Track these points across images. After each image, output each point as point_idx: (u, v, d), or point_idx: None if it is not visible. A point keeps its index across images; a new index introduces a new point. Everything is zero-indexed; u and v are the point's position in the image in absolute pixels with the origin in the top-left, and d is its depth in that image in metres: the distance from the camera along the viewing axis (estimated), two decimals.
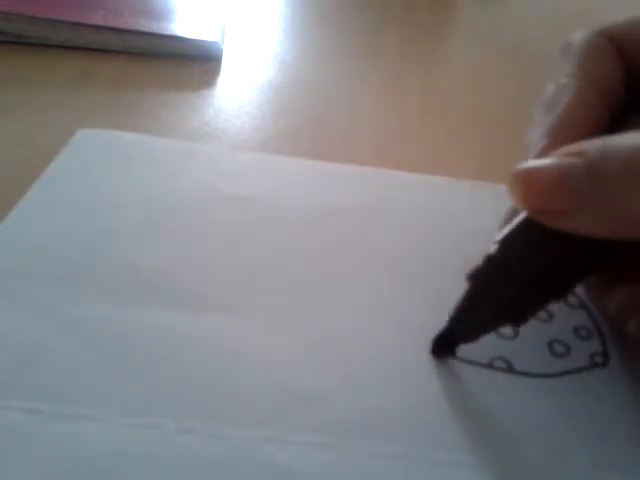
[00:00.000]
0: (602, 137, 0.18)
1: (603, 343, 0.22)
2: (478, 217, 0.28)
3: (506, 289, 0.19)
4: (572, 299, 0.24)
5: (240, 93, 0.37)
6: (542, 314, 0.23)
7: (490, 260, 0.19)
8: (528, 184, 0.18)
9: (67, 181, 0.27)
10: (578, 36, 0.23)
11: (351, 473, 0.17)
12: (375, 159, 0.31)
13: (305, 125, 0.34)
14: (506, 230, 0.20)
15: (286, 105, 0.36)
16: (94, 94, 0.35)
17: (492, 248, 0.20)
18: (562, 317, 0.23)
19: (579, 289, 0.24)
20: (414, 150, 0.33)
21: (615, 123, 0.21)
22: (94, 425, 0.18)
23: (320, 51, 0.45)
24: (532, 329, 0.22)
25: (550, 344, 0.22)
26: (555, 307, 0.24)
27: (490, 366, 0.21)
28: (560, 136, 0.20)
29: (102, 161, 0.28)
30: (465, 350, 0.21)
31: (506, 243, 0.19)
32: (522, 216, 0.19)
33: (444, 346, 0.21)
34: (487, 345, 0.22)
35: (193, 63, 0.39)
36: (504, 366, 0.21)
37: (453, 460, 0.18)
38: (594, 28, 0.23)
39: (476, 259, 0.25)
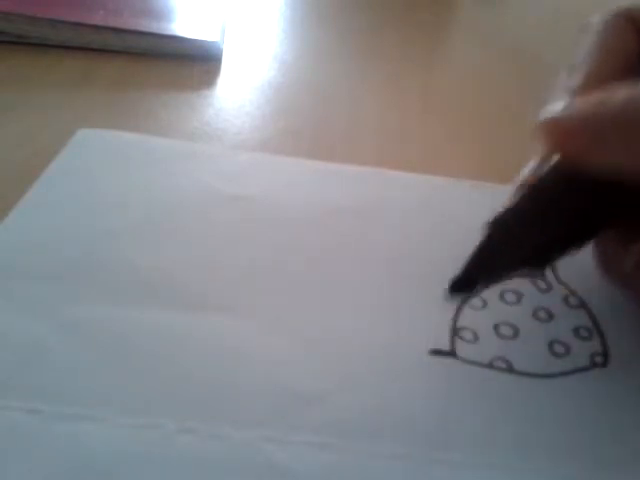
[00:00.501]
0: (629, 82, 0.18)
1: (603, 343, 0.22)
2: (478, 217, 0.28)
3: (526, 237, 0.20)
4: (572, 299, 0.24)
5: (240, 93, 0.37)
6: (542, 314, 0.23)
7: (512, 209, 0.20)
8: (555, 129, 0.19)
9: (67, 181, 0.27)
10: (597, 17, 0.23)
11: (351, 473, 0.17)
12: (375, 159, 0.31)
13: (305, 125, 0.34)
14: (528, 179, 0.20)
15: (286, 105, 0.36)
16: (94, 94, 0.35)
17: (514, 196, 0.20)
18: (562, 317, 0.23)
19: (579, 288, 0.24)
20: (414, 150, 0.33)
21: None
22: (94, 425, 0.18)
23: (320, 51, 0.45)
24: (532, 329, 0.22)
25: (550, 344, 0.22)
26: (555, 307, 0.24)
27: (490, 366, 0.21)
28: (582, 91, 0.20)
29: (102, 161, 0.28)
30: (465, 350, 0.21)
31: (533, 191, 0.20)
32: (549, 164, 0.20)
33: (461, 289, 0.21)
34: (487, 345, 0.22)
35: (193, 63, 0.39)
36: (504, 366, 0.21)
37: (453, 460, 0.18)
38: (613, 9, 0.23)
39: None
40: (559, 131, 0.19)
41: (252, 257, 0.24)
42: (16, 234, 0.24)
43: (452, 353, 0.21)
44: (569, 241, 0.21)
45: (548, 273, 0.25)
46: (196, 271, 0.23)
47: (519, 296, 0.24)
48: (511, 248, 0.20)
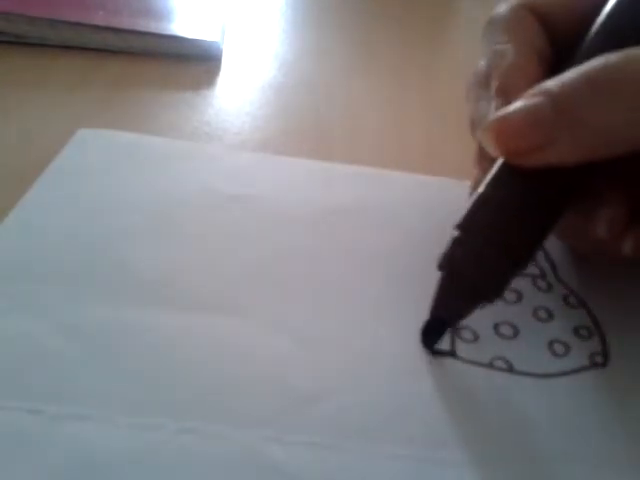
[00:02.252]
0: (555, 76, 0.20)
1: (603, 343, 0.22)
2: None
3: (484, 259, 0.20)
4: (572, 299, 0.24)
5: (240, 93, 0.37)
6: (542, 314, 0.23)
7: (459, 242, 0.20)
8: (501, 131, 0.20)
9: (67, 181, 0.27)
10: (501, 9, 0.25)
11: (351, 473, 0.17)
12: (375, 159, 0.31)
13: (305, 125, 0.34)
14: (475, 196, 0.21)
15: (286, 105, 0.36)
16: (94, 94, 0.35)
17: (459, 221, 0.21)
18: (562, 317, 0.23)
19: (579, 287, 0.24)
20: (414, 150, 0.33)
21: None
22: (94, 425, 0.18)
23: (320, 51, 0.45)
24: (532, 329, 0.22)
25: (550, 344, 0.22)
26: (555, 307, 0.24)
27: (490, 366, 0.21)
28: (511, 93, 0.21)
29: (102, 161, 0.28)
30: (465, 350, 0.21)
31: (482, 205, 0.20)
32: (493, 174, 0.21)
33: (433, 336, 0.21)
34: (487, 345, 0.22)
35: (193, 63, 0.39)
36: (504, 366, 0.21)
37: (453, 460, 0.18)
38: (515, 1, 0.25)
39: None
40: (506, 131, 0.20)
41: (252, 257, 0.24)
42: (16, 234, 0.24)
43: (452, 353, 0.21)
44: (532, 244, 0.21)
45: (548, 273, 0.25)
46: (196, 271, 0.23)
47: (519, 295, 0.24)
48: (466, 279, 0.20)
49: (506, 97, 0.21)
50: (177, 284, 0.22)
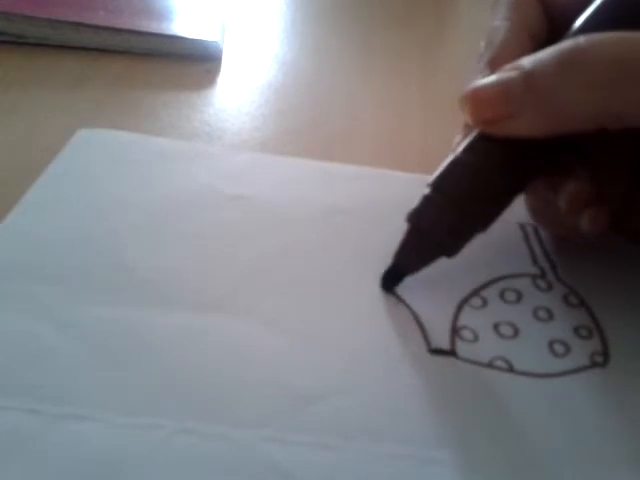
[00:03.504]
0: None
1: (603, 343, 0.22)
2: None
3: (446, 218, 0.22)
4: (572, 298, 0.24)
5: (240, 93, 0.37)
6: (542, 313, 0.23)
7: (428, 200, 0.22)
8: (475, 99, 0.22)
9: (67, 181, 0.27)
10: None
11: (351, 473, 0.17)
12: (374, 159, 0.31)
13: (305, 125, 0.34)
14: (451, 157, 0.22)
15: (286, 105, 0.36)
16: (94, 94, 0.35)
17: (432, 178, 0.22)
18: (562, 317, 0.23)
19: (579, 287, 0.24)
20: (414, 150, 0.33)
21: None
22: (94, 425, 0.18)
23: (320, 51, 0.45)
24: (532, 329, 0.22)
25: (550, 344, 0.22)
26: (555, 306, 0.24)
27: (490, 366, 0.21)
28: (495, 66, 0.23)
29: (102, 161, 0.28)
30: (465, 350, 0.21)
31: (455, 168, 0.22)
32: (469, 140, 0.22)
33: (391, 281, 0.23)
34: (487, 345, 0.22)
35: (193, 63, 0.39)
36: (504, 366, 0.21)
37: (453, 460, 0.18)
38: None
39: (474, 258, 0.25)
40: (479, 100, 0.21)
41: (252, 257, 0.24)
42: (16, 234, 0.24)
43: (452, 352, 0.21)
44: (495, 206, 0.22)
45: (548, 273, 0.25)
46: (196, 271, 0.23)
47: (519, 295, 0.24)
48: (431, 236, 0.22)
49: (493, 71, 0.23)
50: (177, 284, 0.22)
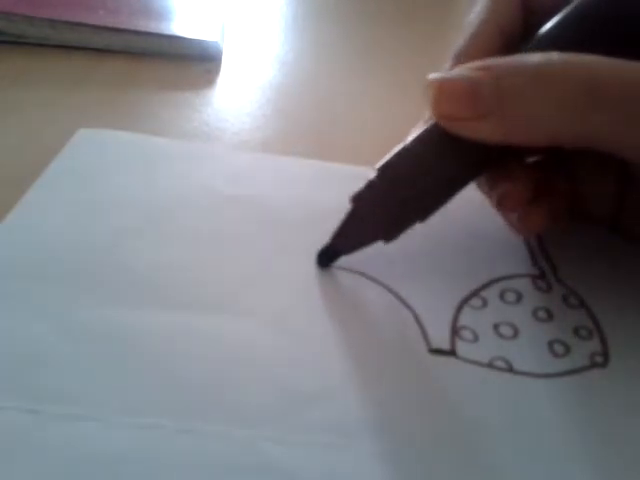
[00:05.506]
0: (508, 55, 0.21)
1: (603, 343, 0.22)
2: (478, 217, 0.28)
3: (385, 205, 0.22)
4: (572, 299, 0.24)
5: (240, 93, 0.37)
6: (542, 314, 0.23)
7: (372, 184, 0.22)
8: (440, 91, 0.21)
9: (67, 181, 0.27)
10: None
11: (351, 473, 0.17)
12: (375, 159, 0.31)
13: (305, 125, 0.34)
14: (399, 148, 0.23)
15: (286, 105, 0.36)
16: (94, 94, 0.35)
17: (380, 164, 0.23)
18: (562, 317, 0.23)
19: (579, 288, 0.24)
20: None
21: (509, 52, 0.23)
22: (94, 425, 0.18)
23: (320, 51, 0.45)
24: (532, 329, 0.22)
25: (550, 344, 0.22)
26: (555, 307, 0.24)
27: (490, 366, 0.21)
28: (463, 58, 0.23)
29: (102, 161, 0.28)
30: (465, 350, 0.21)
31: (403, 155, 0.22)
32: (422, 130, 0.22)
33: (327, 258, 0.24)
34: (487, 345, 0.22)
35: (193, 63, 0.39)
36: (504, 366, 0.21)
37: (453, 460, 0.18)
38: None
39: (474, 258, 0.25)
40: (444, 93, 0.21)
41: (252, 257, 0.24)
42: (16, 234, 0.24)
43: (452, 353, 0.21)
44: (435, 200, 0.23)
45: (548, 273, 0.25)
46: (196, 271, 0.23)
47: (519, 296, 0.24)
48: (370, 220, 0.23)
49: (457, 62, 0.23)
50: (177, 284, 0.22)
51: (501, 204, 0.24)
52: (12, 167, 0.28)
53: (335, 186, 0.29)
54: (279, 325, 0.21)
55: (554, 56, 0.20)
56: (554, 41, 0.22)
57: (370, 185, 0.23)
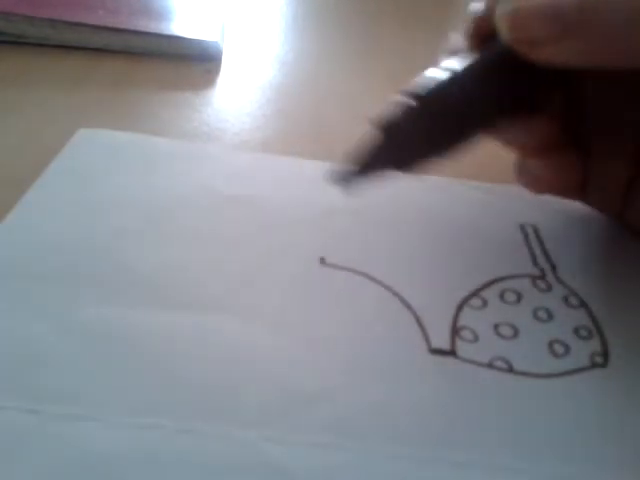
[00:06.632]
0: None
1: (603, 343, 0.22)
2: (478, 217, 0.28)
3: (412, 136, 0.21)
4: (572, 299, 0.24)
5: (240, 93, 0.37)
6: (542, 314, 0.23)
7: (405, 109, 0.21)
8: (518, 14, 0.20)
9: (67, 181, 0.27)
10: None
11: (351, 473, 0.17)
12: None
13: (305, 125, 0.34)
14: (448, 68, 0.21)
15: (286, 105, 0.36)
16: (94, 94, 0.35)
17: (423, 89, 0.21)
18: (562, 318, 0.23)
19: (579, 288, 0.24)
20: None
21: None
22: (94, 425, 0.18)
23: (320, 51, 0.45)
24: (532, 329, 0.22)
25: (550, 344, 0.22)
26: (555, 307, 0.24)
27: (490, 366, 0.21)
28: None
29: (102, 161, 0.28)
30: (465, 350, 0.21)
31: (451, 79, 0.21)
32: (472, 60, 0.21)
33: (345, 179, 0.23)
34: (487, 345, 0.22)
35: (193, 63, 0.39)
36: (504, 366, 0.21)
37: (453, 460, 0.18)
38: None
39: (474, 258, 0.25)
40: (523, 17, 0.20)
41: (252, 257, 0.24)
42: (16, 234, 0.24)
43: (452, 353, 0.21)
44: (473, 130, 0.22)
45: (548, 273, 0.25)
46: (196, 271, 0.23)
47: (519, 296, 0.24)
48: (397, 147, 0.22)
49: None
50: (177, 284, 0.22)
51: (537, 144, 0.23)
52: (12, 167, 0.28)
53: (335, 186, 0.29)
54: (279, 325, 0.21)
55: None
56: None
57: (405, 112, 0.21)
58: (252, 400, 0.19)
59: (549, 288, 0.24)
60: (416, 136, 0.21)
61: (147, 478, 0.17)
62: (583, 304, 0.24)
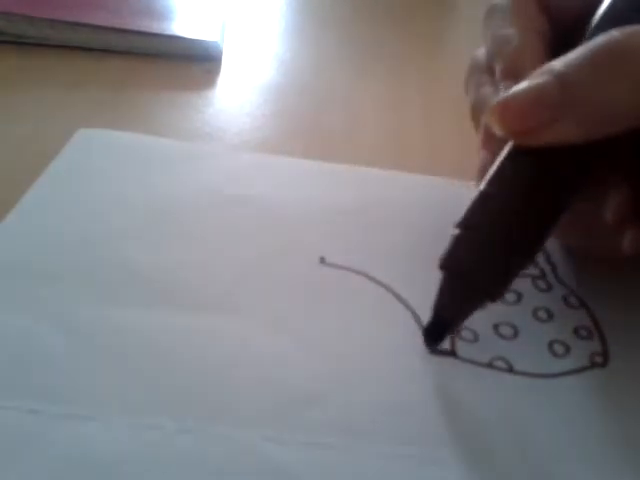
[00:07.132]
0: (560, 56, 0.20)
1: (603, 343, 0.22)
2: None
3: (483, 259, 0.20)
4: (572, 299, 0.24)
5: (240, 93, 0.37)
6: (542, 314, 0.23)
7: (459, 238, 0.20)
8: (507, 109, 0.20)
9: (67, 181, 0.27)
10: None
11: (351, 473, 0.17)
12: (375, 159, 0.31)
13: (305, 125, 0.34)
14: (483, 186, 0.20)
15: (286, 105, 0.36)
16: (94, 94, 0.35)
17: (460, 219, 0.20)
18: (562, 317, 0.23)
19: (579, 288, 0.24)
20: (414, 150, 0.33)
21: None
22: (94, 425, 0.18)
23: (320, 51, 0.45)
24: (532, 329, 0.22)
25: (550, 344, 0.22)
26: (555, 307, 0.24)
27: (490, 366, 0.21)
28: (516, 74, 0.22)
29: (102, 161, 0.28)
30: (465, 350, 0.21)
31: (484, 197, 0.20)
32: (494, 170, 0.20)
33: (435, 336, 0.21)
34: (487, 345, 0.22)
35: (193, 63, 0.39)
36: (504, 366, 0.21)
37: (453, 460, 0.18)
38: None
39: None
40: (511, 110, 0.20)
41: (252, 257, 0.24)
42: (16, 234, 0.24)
43: (452, 353, 0.21)
44: (543, 232, 0.20)
45: (548, 273, 0.25)
46: (196, 271, 0.23)
47: (519, 296, 0.24)
48: (470, 278, 0.20)
49: (514, 79, 0.21)
50: (177, 284, 0.22)
51: (618, 213, 0.21)
52: (12, 167, 0.28)
53: (335, 186, 0.29)
54: (279, 325, 0.21)
55: (613, 33, 0.19)
56: (612, 22, 0.20)
57: (459, 242, 0.20)
58: (252, 400, 0.19)
59: (549, 288, 0.24)
60: (479, 260, 0.20)
61: (147, 478, 0.17)
62: (583, 304, 0.24)
